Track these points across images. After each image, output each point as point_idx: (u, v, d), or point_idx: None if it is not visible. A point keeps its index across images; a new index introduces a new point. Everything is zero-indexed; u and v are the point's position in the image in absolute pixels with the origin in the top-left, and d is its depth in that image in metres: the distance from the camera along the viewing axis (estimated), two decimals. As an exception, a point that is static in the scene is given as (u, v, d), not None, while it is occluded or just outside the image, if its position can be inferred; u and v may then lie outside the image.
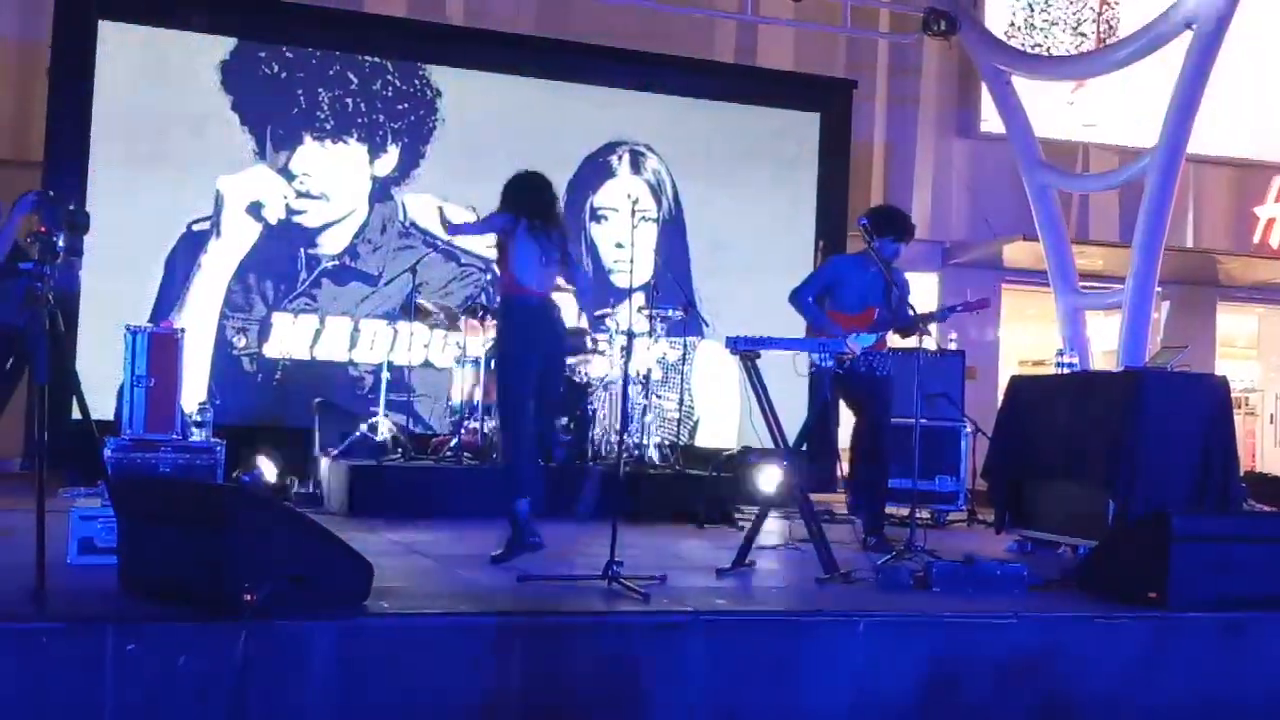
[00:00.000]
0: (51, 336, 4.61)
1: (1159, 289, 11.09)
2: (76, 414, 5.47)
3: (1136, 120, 13.16)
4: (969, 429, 9.11)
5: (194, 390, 8.63)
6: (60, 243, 4.72)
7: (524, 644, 4.33)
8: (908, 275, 7.37)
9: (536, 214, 6.20)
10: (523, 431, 6.06)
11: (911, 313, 6.84)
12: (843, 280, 7.11)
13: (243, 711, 3.94)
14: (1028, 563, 6.44)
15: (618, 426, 9.02)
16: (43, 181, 7.88)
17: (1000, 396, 13.10)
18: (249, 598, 4.08)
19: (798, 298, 7.10)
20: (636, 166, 11.28)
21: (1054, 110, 13.11)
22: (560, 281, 6.36)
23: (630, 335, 5.81)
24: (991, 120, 12.73)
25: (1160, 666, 5.05)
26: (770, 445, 6.13)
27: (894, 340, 7.38)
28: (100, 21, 9.90)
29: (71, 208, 4.70)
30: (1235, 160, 14.09)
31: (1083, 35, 13.61)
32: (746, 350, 5.88)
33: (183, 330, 6.95)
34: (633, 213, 5.66)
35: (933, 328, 7.27)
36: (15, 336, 5.49)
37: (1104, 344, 11.95)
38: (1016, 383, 7.65)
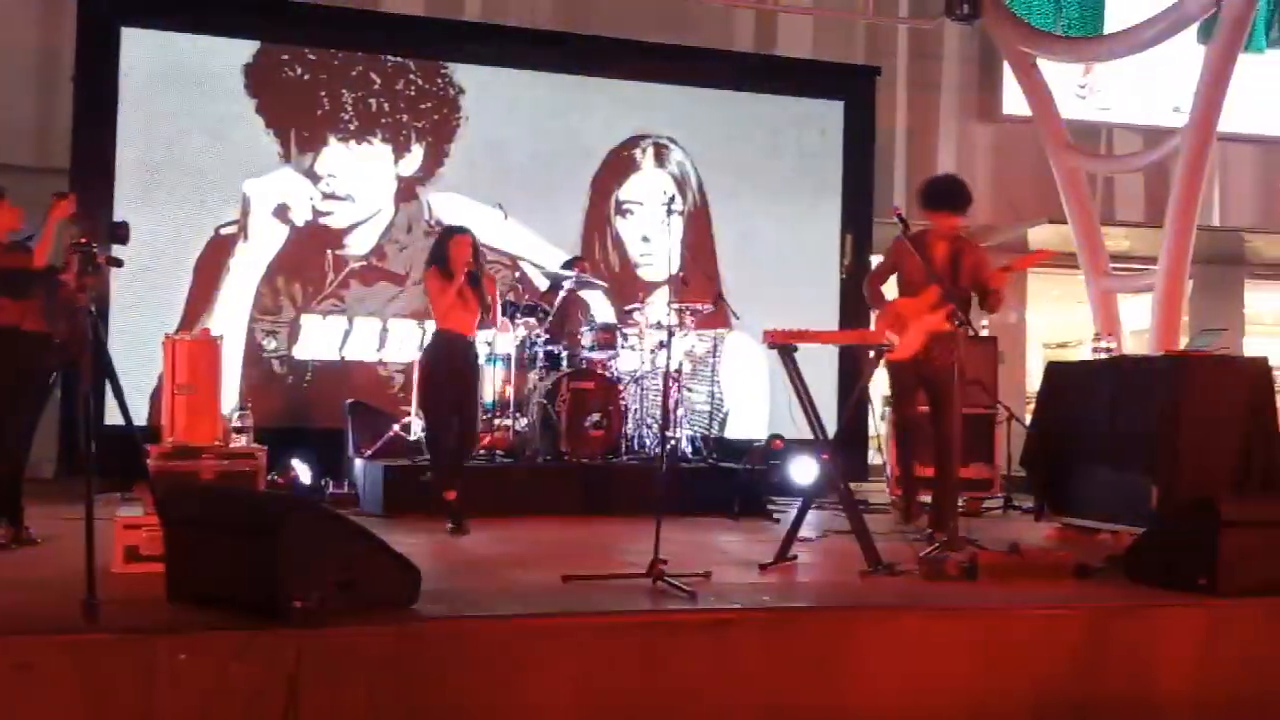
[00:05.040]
0: (93, 345, 4.61)
1: (1186, 268, 10.99)
2: (110, 419, 5.51)
3: (1150, 101, 13.15)
4: (1003, 415, 9.06)
5: (226, 394, 8.64)
6: (98, 254, 4.71)
7: (574, 645, 4.32)
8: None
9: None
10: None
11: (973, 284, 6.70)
12: (904, 261, 6.85)
13: (296, 719, 3.93)
14: (1070, 549, 6.42)
15: (649, 421, 9.02)
16: (70, 189, 7.87)
17: (1027, 380, 13.22)
18: (299, 604, 4.08)
19: (865, 289, 7.06)
20: (661, 159, 11.24)
21: (1072, 92, 13.03)
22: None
23: (670, 331, 5.78)
24: (1013, 103, 12.64)
25: (1212, 654, 5.01)
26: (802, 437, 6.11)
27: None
28: (122, 27, 9.90)
29: (114, 220, 4.70)
30: (1261, 137, 13.97)
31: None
32: (784, 345, 5.85)
33: (221, 337, 6.95)
34: (668, 210, 5.62)
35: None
36: (54, 346, 5.50)
37: (1130, 325, 11.87)
38: (1055, 368, 7.60)
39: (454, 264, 7.19)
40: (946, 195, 6.88)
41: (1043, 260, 7.24)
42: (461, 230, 7.42)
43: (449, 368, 7.28)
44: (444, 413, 7.33)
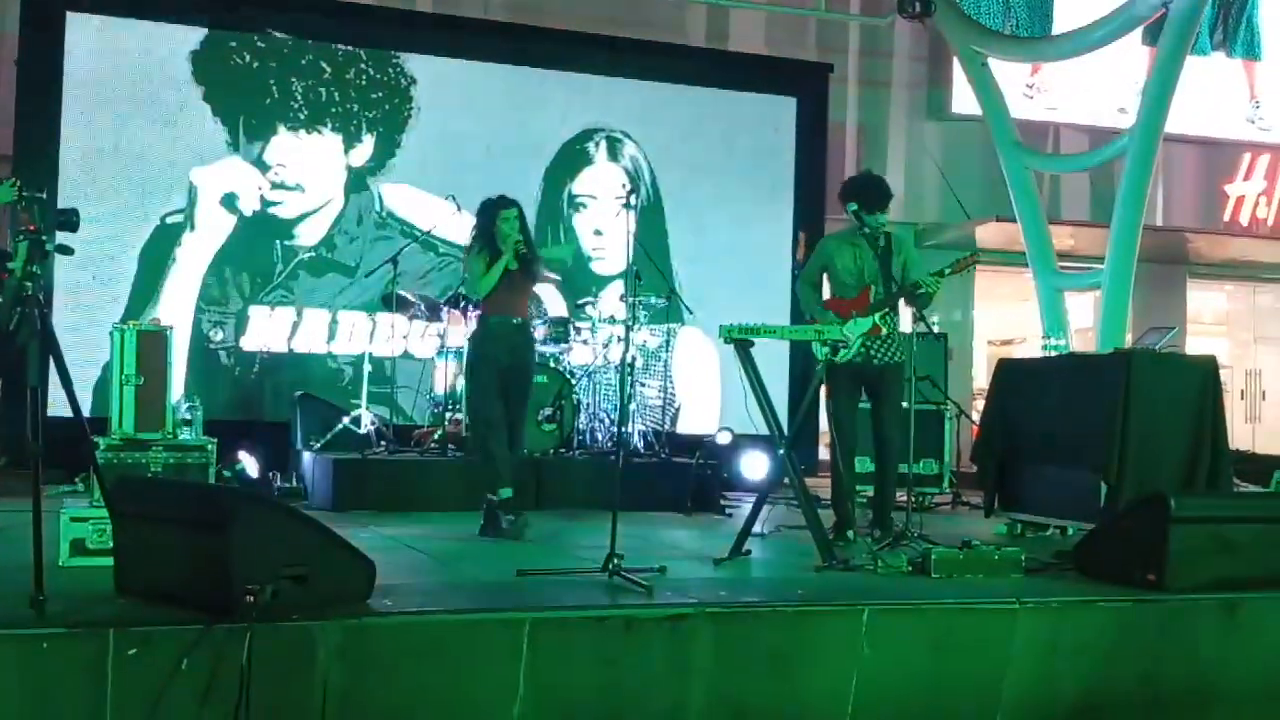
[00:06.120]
0: (43, 337, 4.51)
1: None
2: (53, 410, 5.40)
3: (1097, 101, 13.32)
4: (952, 412, 9.13)
5: (171, 385, 8.54)
6: (47, 242, 4.61)
7: (529, 640, 4.29)
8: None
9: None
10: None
11: (901, 285, 6.52)
12: (833, 262, 6.76)
13: (247, 714, 3.88)
14: (1019, 545, 6.47)
15: (602, 415, 9.00)
16: (13, 175, 7.70)
17: (974, 377, 13.33)
18: (251, 598, 4.02)
19: (798, 290, 6.98)
20: (614, 153, 11.22)
21: (1019, 92, 13.17)
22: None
23: (628, 326, 5.75)
24: (962, 101, 12.74)
25: (1159, 649, 5.07)
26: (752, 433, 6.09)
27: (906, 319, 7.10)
28: (68, 12, 9.73)
29: (61, 208, 4.59)
30: (1205, 138, 14.18)
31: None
32: (740, 340, 5.85)
33: (171, 328, 6.83)
34: (627, 203, 5.58)
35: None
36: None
37: (1073, 323, 12.00)
38: (1005, 365, 7.66)
39: (502, 241, 6.63)
40: (878, 193, 6.71)
41: (974, 263, 7.11)
42: (508, 202, 6.69)
43: (497, 355, 6.73)
44: (494, 405, 6.73)
